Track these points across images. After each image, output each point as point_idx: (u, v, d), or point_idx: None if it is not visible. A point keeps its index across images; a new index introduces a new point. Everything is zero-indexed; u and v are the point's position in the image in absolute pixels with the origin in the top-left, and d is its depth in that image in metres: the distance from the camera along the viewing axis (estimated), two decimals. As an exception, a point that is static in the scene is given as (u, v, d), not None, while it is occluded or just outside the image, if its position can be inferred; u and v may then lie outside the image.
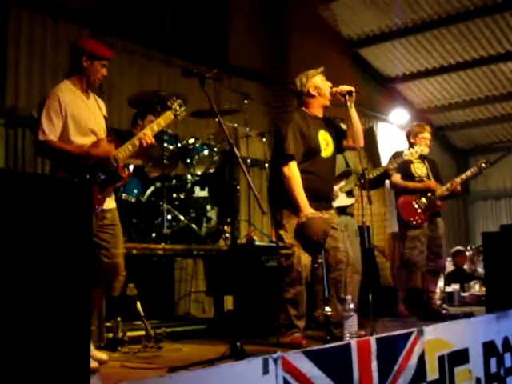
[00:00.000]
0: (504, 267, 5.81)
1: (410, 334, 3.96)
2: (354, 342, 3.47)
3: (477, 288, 7.98)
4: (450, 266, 8.97)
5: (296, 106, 4.58)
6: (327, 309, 3.97)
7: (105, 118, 3.80)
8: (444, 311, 6.11)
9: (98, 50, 3.71)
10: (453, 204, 13.11)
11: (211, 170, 5.53)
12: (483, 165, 6.27)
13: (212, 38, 8.24)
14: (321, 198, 4.34)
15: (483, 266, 6.51)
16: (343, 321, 3.82)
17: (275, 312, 4.27)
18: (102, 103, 3.85)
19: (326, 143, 4.40)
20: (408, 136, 6.13)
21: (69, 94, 3.63)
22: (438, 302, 6.63)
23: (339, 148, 4.60)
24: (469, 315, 5.24)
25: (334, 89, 4.43)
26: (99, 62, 3.68)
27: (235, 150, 3.54)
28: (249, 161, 5.94)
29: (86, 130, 3.64)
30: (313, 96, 4.43)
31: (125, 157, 3.73)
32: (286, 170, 4.21)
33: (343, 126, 4.92)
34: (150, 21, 7.44)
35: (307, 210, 4.08)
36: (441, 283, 8.30)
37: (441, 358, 4.18)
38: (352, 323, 3.79)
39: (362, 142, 4.56)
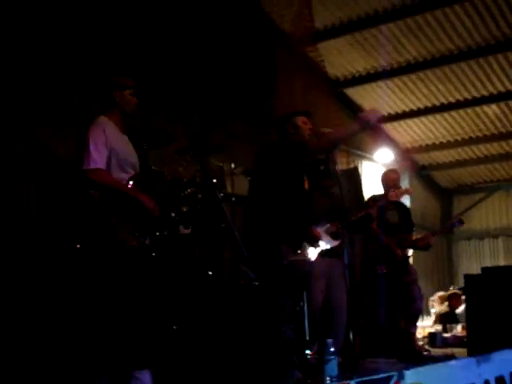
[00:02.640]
0: (485, 309, 5.85)
1: (390, 377, 3.95)
2: (334, 386, 3.46)
3: (459, 329, 8.00)
4: (444, 307, 9.01)
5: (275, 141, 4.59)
6: (307, 352, 3.96)
7: (139, 157, 3.91)
8: (425, 353, 6.13)
9: (123, 80, 3.81)
10: (437, 243, 13.16)
11: (196, 208, 5.52)
12: (457, 224, 6.56)
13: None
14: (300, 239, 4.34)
15: (465, 307, 6.54)
16: (324, 364, 3.80)
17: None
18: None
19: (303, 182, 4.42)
20: (381, 181, 6.29)
21: (110, 127, 3.69)
22: (420, 343, 6.65)
23: (316, 188, 4.60)
24: (450, 357, 5.25)
25: (318, 130, 4.47)
26: (129, 92, 3.78)
27: (217, 193, 3.54)
28: (233, 198, 5.93)
29: (126, 165, 3.69)
30: (291, 135, 4.43)
31: None
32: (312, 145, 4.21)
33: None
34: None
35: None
36: (428, 323, 8.35)
37: (421, 403, 4.16)
38: (332, 367, 3.77)
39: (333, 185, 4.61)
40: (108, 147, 3.60)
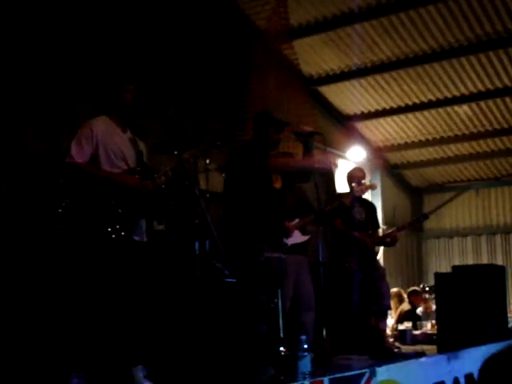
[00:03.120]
0: (455, 307, 5.93)
1: (362, 374, 3.99)
2: (307, 383, 3.49)
3: (429, 326, 8.08)
4: (406, 305, 9.06)
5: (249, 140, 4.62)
6: (281, 349, 3.98)
7: (140, 152, 4.01)
8: (396, 349, 6.18)
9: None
10: (406, 241, 13.31)
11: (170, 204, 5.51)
12: (421, 218, 6.69)
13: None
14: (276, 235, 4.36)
15: (435, 305, 6.61)
16: (297, 360, 3.83)
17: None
18: (141, 141, 4.11)
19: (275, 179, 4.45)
20: (347, 179, 6.36)
21: (103, 124, 3.90)
22: (390, 340, 6.71)
23: (288, 185, 4.62)
24: (420, 354, 5.31)
25: (297, 128, 4.50)
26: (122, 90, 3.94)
27: (196, 190, 3.58)
28: (208, 195, 5.93)
29: (118, 159, 3.86)
30: (259, 138, 4.49)
31: None
32: (273, 161, 4.30)
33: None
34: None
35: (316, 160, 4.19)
36: (391, 321, 8.41)
37: (392, 399, 4.22)
38: (306, 363, 3.80)
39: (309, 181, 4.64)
40: (94, 142, 3.80)
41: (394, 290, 9.34)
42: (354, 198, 6.16)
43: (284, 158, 4.40)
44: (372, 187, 6.88)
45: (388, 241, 6.67)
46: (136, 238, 3.84)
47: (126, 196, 3.77)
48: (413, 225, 6.87)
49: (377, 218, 6.53)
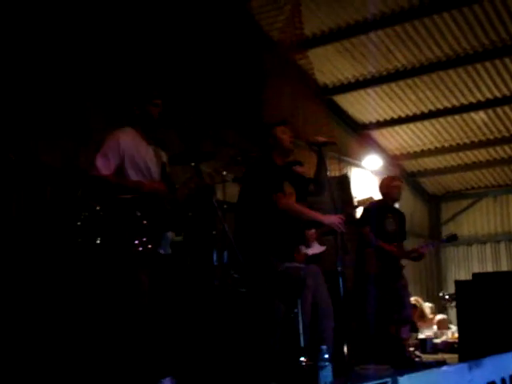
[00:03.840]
0: (476, 315, 5.88)
1: (384, 383, 3.96)
2: (329, 393, 3.46)
3: (449, 335, 8.03)
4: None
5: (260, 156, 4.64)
6: (302, 359, 3.96)
7: (163, 164, 4.00)
8: (417, 359, 6.14)
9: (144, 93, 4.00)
10: (425, 249, 13.22)
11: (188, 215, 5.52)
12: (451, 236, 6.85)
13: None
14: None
15: (456, 313, 6.56)
16: (319, 370, 3.80)
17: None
18: (163, 153, 4.07)
19: (288, 194, 4.43)
20: (380, 187, 6.31)
21: (129, 136, 3.87)
22: (411, 349, 6.67)
23: (302, 196, 4.60)
24: (441, 363, 5.27)
25: (309, 139, 4.50)
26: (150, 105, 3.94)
27: (214, 201, 3.58)
28: (225, 206, 5.94)
29: (143, 171, 3.85)
30: (273, 147, 4.48)
31: None
32: (283, 202, 4.21)
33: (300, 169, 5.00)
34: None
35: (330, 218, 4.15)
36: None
37: (414, 409, 4.17)
38: (327, 373, 3.77)
39: (324, 193, 4.62)
40: (120, 154, 3.78)
41: (411, 299, 9.29)
42: (385, 207, 6.14)
43: (295, 203, 4.35)
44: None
45: (415, 255, 6.50)
46: (161, 250, 3.83)
47: (153, 207, 3.76)
48: (441, 243, 6.82)
49: (405, 229, 6.46)
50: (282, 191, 4.31)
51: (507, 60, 9.39)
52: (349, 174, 10.19)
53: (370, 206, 6.18)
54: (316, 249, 5.42)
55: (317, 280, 5.19)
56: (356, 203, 6.27)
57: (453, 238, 6.82)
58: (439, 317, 9.01)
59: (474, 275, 6.49)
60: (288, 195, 4.36)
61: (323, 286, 5.20)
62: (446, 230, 13.99)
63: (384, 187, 6.30)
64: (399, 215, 6.40)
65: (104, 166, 3.72)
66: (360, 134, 11.51)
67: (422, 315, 9.08)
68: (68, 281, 4.25)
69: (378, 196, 6.50)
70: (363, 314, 5.94)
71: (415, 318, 8.89)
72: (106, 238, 3.86)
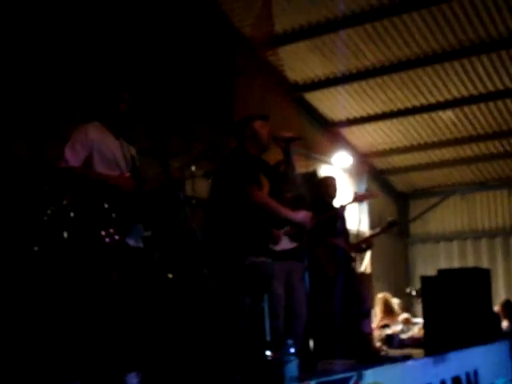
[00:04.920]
0: (442, 310, 5.97)
1: (349, 377, 4.00)
2: (294, 387, 3.49)
3: (416, 330, 8.11)
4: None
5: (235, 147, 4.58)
6: (267, 353, 3.98)
7: (133, 157, 4.03)
8: (383, 353, 6.21)
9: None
10: (393, 246, 13.37)
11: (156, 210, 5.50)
12: (391, 222, 6.98)
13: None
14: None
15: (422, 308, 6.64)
16: (284, 365, 3.83)
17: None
18: (132, 148, 4.11)
19: (262, 186, 4.41)
20: (319, 187, 6.40)
21: (96, 130, 3.90)
22: (378, 344, 6.74)
23: (276, 192, 4.59)
24: (407, 358, 5.33)
25: (276, 134, 4.49)
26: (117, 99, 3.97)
27: (181, 196, 3.59)
28: (194, 201, 5.93)
29: (111, 164, 3.86)
30: (249, 139, 4.42)
31: None
32: (257, 194, 4.16)
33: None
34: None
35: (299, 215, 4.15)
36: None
37: (379, 402, 4.23)
38: (292, 368, 3.80)
39: (292, 189, 4.63)
40: (89, 147, 3.81)
41: (379, 295, 9.37)
42: (328, 205, 6.25)
43: (268, 197, 4.32)
44: (374, 196, 7.08)
45: (364, 246, 6.81)
46: (130, 242, 3.82)
47: (121, 200, 3.76)
48: (384, 231, 7.00)
49: (346, 226, 6.60)
50: (258, 182, 4.28)
51: (475, 59, 9.50)
52: (318, 170, 10.24)
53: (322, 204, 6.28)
54: (285, 245, 5.43)
55: (292, 276, 5.24)
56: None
57: (393, 224, 7.04)
58: (403, 316, 9.10)
59: (440, 271, 6.57)
60: (262, 188, 4.35)
61: (297, 283, 5.24)
62: (414, 228, 14.19)
63: (321, 186, 6.40)
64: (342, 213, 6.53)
65: (73, 158, 3.75)
66: (330, 131, 11.56)
67: (391, 311, 9.15)
68: (34, 276, 4.22)
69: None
70: (327, 311, 5.99)
71: (384, 314, 8.99)
72: (73, 231, 3.86)
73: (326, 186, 6.36)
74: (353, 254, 6.39)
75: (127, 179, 3.85)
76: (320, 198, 6.30)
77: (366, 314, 6.35)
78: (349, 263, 6.27)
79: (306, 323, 5.22)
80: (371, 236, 7.02)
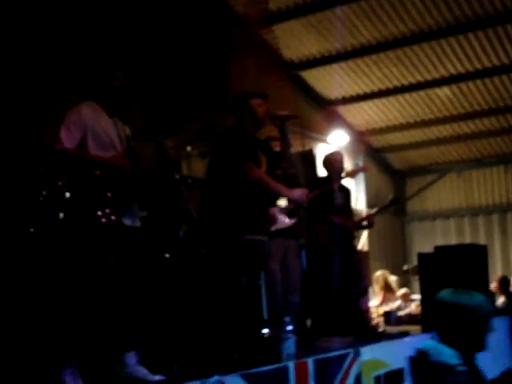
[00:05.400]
0: (439, 287, 5.97)
1: (346, 354, 4.03)
2: (291, 364, 3.51)
3: (413, 307, 8.15)
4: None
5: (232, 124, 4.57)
6: (265, 330, 4.00)
7: (127, 137, 3.97)
8: (380, 330, 6.24)
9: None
10: (390, 224, 13.39)
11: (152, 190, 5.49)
12: (393, 199, 7.01)
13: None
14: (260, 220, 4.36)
15: (419, 285, 6.66)
16: (281, 342, 3.85)
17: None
18: (126, 127, 4.05)
19: (261, 163, 4.41)
20: (324, 163, 6.36)
21: (90, 109, 3.84)
22: (375, 321, 6.77)
23: (272, 170, 4.59)
24: (404, 334, 5.35)
25: (271, 112, 4.48)
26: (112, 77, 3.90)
27: (176, 176, 3.57)
28: (190, 180, 5.92)
29: (106, 144, 3.80)
30: (246, 116, 4.42)
31: None
32: (255, 171, 4.18)
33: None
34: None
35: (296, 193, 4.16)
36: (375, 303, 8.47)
37: (377, 379, 4.26)
38: (290, 345, 3.82)
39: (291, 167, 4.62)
40: (83, 127, 3.75)
41: (378, 273, 9.40)
42: (337, 182, 6.22)
43: (265, 174, 4.31)
44: (365, 169, 7.05)
45: (365, 224, 6.81)
46: (127, 221, 3.81)
47: (117, 180, 3.74)
48: (386, 208, 7.01)
49: (350, 204, 6.57)
50: (257, 159, 4.28)
51: (471, 36, 9.46)
52: (314, 149, 10.22)
53: (318, 181, 6.26)
54: (283, 223, 5.43)
55: (287, 254, 5.24)
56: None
57: (396, 201, 7.03)
58: (402, 291, 9.15)
59: (436, 248, 6.58)
60: (260, 165, 4.34)
61: (293, 260, 5.24)
62: (411, 205, 14.20)
63: (327, 163, 6.34)
64: (345, 190, 6.49)
65: (68, 138, 3.71)
66: (326, 109, 11.53)
67: (389, 288, 9.19)
68: (30, 257, 4.22)
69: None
70: (326, 288, 6.01)
71: (383, 292, 9.02)
72: (69, 212, 3.85)
73: (333, 162, 6.30)
74: (355, 233, 6.40)
75: (124, 159, 3.83)
76: (319, 177, 6.29)
77: (364, 292, 6.37)
78: (350, 241, 6.27)
79: (301, 301, 5.23)
80: (373, 214, 6.98)
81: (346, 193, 6.44)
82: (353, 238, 6.39)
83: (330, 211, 6.10)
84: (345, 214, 6.27)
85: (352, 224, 6.33)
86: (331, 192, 6.12)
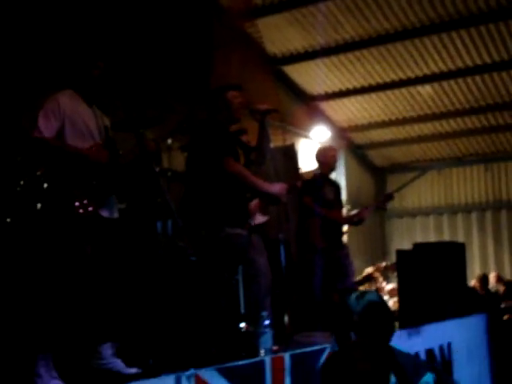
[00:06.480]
0: (416, 284, 6.00)
1: (323, 349, 4.02)
2: (268, 359, 3.50)
3: (391, 304, 8.17)
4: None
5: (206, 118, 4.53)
6: (242, 325, 3.99)
7: (106, 127, 3.93)
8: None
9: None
10: (369, 221, 13.37)
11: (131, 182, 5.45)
12: (388, 195, 7.16)
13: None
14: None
15: (397, 282, 6.69)
16: (258, 337, 3.84)
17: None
18: (106, 118, 4.01)
19: (239, 157, 4.39)
20: (317, 157, 6.34)
21: (69, 98, 3.79)
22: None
23: (247, 163, 4.57)
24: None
25: (252, 106, 4.46)
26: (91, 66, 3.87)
27: (155, 168, 3.55)
28: (170, 173, 5.88)
29: (84, 134, 3.76)
30: (222, 110, 4.39)
31: None
32: (234, 165, 4.14)
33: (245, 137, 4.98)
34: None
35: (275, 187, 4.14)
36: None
37: (353, 374, 4.25)
38: (267, 339, 3.81)
39: (265, 163, 4.60)
40: (61, 115, 3.71)
41: (368, 269, 9.49)
42: (323, 177, 6.21)
43: (245, 169, 4.27)
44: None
45: (355, 220, 6.79)
46: (104, 213, 3.78)
47: (94, 171, 3.71)
48: (379, 205, 7.01)
49: (341, 199, 6.58)
50: (236, 154, 4.26)
51: (454, 34, 9.49)
52: (296, 144, 10.21)
53: (310, 176, 6.25)
54: (259, 219, 5.43)
55: (256, 251, 5.22)
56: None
57: (389, 197, 7.02)
58: (390, 286, 9.19)
59: (415, 245, 6.60)
60: (239, 159, 4.32)
61: (262, 257, 5.23)
62: (391, 202, 14.19)
63: (321, 156, 6.33)
64: (336, 185, 6.49)
65: (46, 127, 3.67)
66: (308, 105, 11.52)
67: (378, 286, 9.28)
68: (7, 247, 4.17)
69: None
70: (309, 283, 6.00)
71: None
72: (47, 202, 3.81)
73: (326, 157, 6.28)
74: (345, 228, 6.39)
75: (100, 150, 3.79)
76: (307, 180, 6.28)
77: (350, 289, 6.37)
78: (338, 236, 6.27)
79: (279, 295, 5.22)
80: (365, 210, 6.89)
81: (336, 187, 6.43)
82: (342, 234, 6.38)
83: (321, 205, 6.10)
84: (335, 208, 6.27)
85: (341, 219, 6.32)
86: (322, 186, 6.12)
